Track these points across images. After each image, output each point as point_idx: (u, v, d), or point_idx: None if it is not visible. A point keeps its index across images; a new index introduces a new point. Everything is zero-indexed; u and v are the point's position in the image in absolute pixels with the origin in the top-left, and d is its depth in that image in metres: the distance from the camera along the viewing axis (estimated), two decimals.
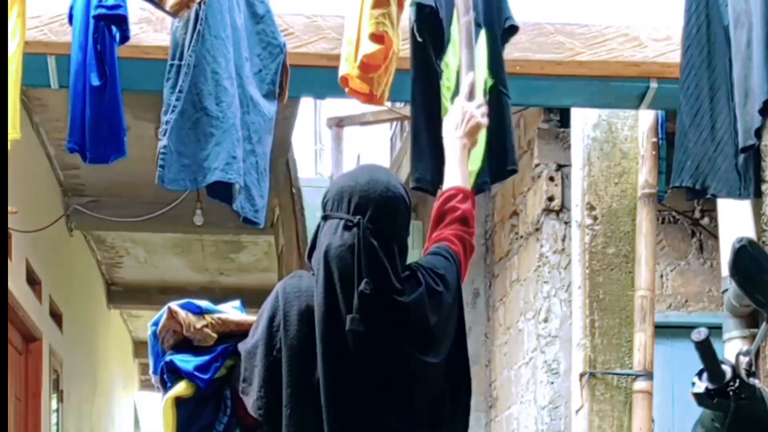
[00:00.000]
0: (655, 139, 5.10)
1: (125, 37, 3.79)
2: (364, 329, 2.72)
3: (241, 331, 2.97)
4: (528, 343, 6.43)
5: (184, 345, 3.00)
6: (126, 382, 15.13)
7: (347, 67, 3.64)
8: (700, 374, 3.65)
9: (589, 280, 5.23)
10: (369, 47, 3.54)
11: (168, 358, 2.98)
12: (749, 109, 3.50)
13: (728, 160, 3.73)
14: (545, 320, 6.09)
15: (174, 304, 2.99)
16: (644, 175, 5.11)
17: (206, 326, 2.98)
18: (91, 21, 3.78)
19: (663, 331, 5.22)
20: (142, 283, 11.95)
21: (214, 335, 2.98)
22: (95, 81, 3.79)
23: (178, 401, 2.95)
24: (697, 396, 3.66)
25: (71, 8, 3.87)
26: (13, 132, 3.58)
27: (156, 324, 3.03)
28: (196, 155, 3.79)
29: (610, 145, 5.31)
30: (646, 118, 5.11)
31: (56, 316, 9.05)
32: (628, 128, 5.29)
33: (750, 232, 4.26)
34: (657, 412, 5.10)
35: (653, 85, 4.35)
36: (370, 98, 3.72)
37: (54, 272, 8.74)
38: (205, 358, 2.97)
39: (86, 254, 10.55)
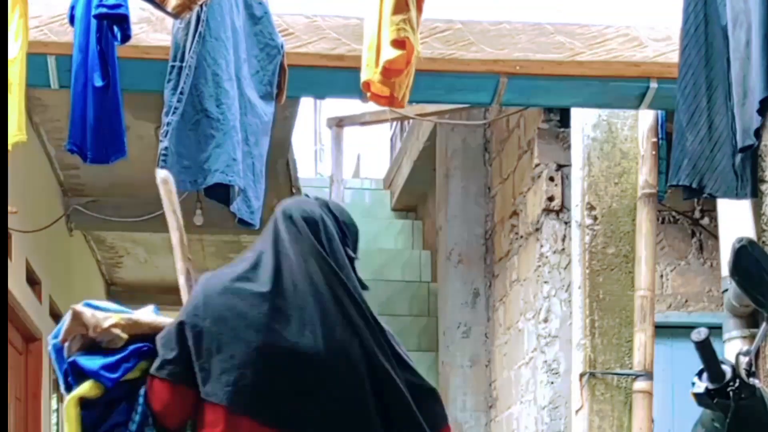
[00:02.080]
0: (655, 139, 5.10)
1: (126, 36, 3.78)
2: None
3: (154, 334, 2.72)
4: (528, 343, 6.43)
5: (93, 349, 2.72)
6: None
7: (369, 73, 3.63)
8: (700, 374, 3.65)
9: (589, 280, 5.23)
10: (391, 53, 3.53)
11: (71, 358, 2.70)
12: (747, 109, 3.49)
13: (726, 159, 3.72)
14: (545, 320, 6.09)
15: (77, 305, 2.73)
16: (644, 175, 5.11)
17: (115, 326, 2.72)
18: (93, 21, 3.77)
19: (663, 331, 5.22)
20: (142, 283, 11.93)
21: (125, 336, 2.72)
22: (98, 81, 3.78)
23: (84, 402, 2.67)
24: (697, 396, 3.65)
25: (72, 9, 3.86)
26: (20, 134, 3.55)
27: (56, 336, 2.76)
28: (197, 157, 3.79)
29: (610, 145, 5.31)
30: (646, 118, 5.11)
31: (56, 316, 9.03)
32: (628, 128, 5.29)
33: (750, 232, 4.26)
34: (657, 412, 5.10)
35: (653, 85, 4.35)
36: (391, 101, 3.71)
37: (54, 272, 8.73)
38: (114, 357, 2.69)
39: (86, 254, 10.54)
